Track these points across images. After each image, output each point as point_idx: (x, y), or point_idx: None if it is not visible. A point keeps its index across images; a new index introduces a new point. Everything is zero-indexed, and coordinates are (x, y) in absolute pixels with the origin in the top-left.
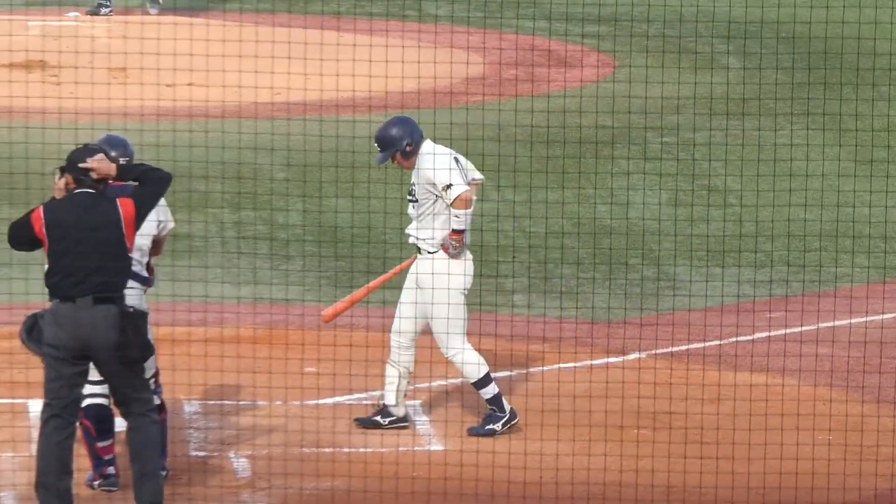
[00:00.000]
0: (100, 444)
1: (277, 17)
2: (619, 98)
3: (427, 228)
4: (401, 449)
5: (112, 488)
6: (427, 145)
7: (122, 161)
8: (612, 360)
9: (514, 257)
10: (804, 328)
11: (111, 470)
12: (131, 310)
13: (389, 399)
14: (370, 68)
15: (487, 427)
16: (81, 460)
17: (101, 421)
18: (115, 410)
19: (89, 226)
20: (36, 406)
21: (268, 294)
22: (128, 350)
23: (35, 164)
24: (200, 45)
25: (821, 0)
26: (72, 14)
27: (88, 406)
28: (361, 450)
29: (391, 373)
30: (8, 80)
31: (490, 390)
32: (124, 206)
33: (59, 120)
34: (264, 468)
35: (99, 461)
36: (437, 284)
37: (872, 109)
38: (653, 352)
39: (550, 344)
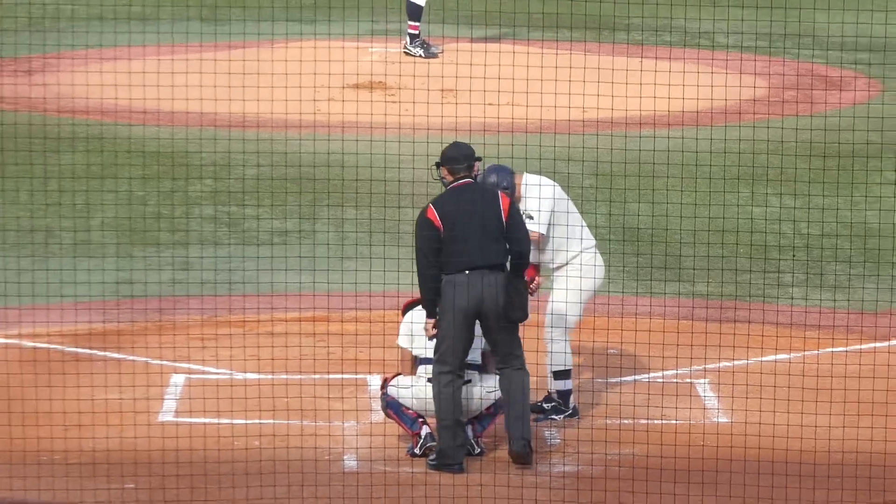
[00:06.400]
0: (408, 409)
1: (589, 45)
2: (886, 117)
3: (547, 251)
4: (692, 421)
5: (432, 443)
6: (530, 178)
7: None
8: (878, 345)
9: (793, 256)
10: None
11: (426, 429)
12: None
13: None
14: (669, 91)
15: (549, 416)
16: (396, 440)
17: None
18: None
19: (475, 211)
20: (374, 381)
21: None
22: (512, 310)
23: (377, 171)
24: (521, 70)
25: None
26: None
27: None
28: (657, 421)
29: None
30: (354, 99)
31: (565, 385)
32: (504, 201)
33: (399, 133)
34: (573, 436)
35: (412, 422)
36: (569, 274)
37: None
38: None
39: (823, 331)
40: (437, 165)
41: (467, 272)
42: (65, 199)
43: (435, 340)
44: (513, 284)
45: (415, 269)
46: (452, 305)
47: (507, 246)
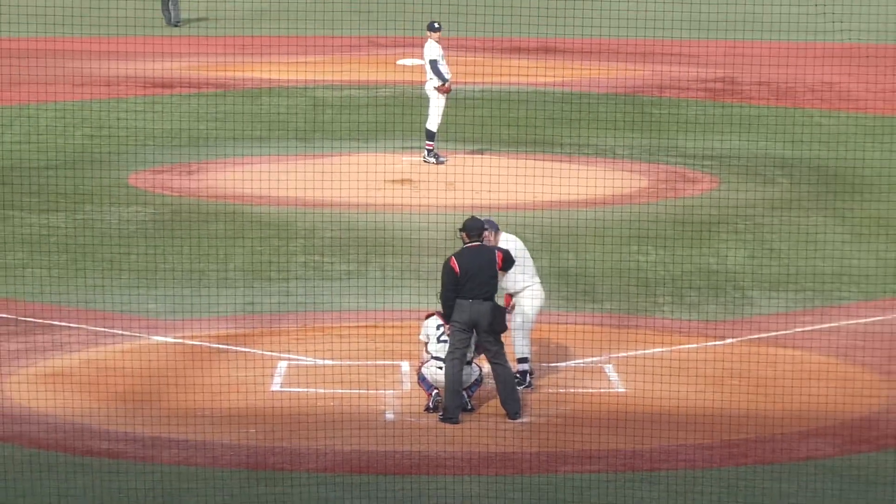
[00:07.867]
0: (428, 380)
1: (537, 154)
2: (721, 199)
3: (509, 280)
4: (602, 391)
5: (438, 398)
6: (507, 236)
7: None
8: (717, 343)
9: (664, 285)
10: (821, 326)
11: (435, 391)
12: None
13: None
14: (587, 183)
15: None
16: (418, 401)
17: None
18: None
19: (480, 264)
20: (405, 365)
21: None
22: (495, 325)
23: (406, 233)
24: (496, 170)
25: (835, 145)
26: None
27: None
28: (581, 390)
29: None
30: (391, 190)
31: (523, 367)
32: (499, 256)
33: (419, 210)
34: (528, 399)
35: (429, 386)
36: (523, 304)
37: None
38: (740, 338)
39: (681, 333)
40: (460, 231)
41: (470, 300)
42: (211, 252)
43: (447, 337)
44: (497, 309)
45: (427, 292)
46: (459, 319)
47: (500, 277)
